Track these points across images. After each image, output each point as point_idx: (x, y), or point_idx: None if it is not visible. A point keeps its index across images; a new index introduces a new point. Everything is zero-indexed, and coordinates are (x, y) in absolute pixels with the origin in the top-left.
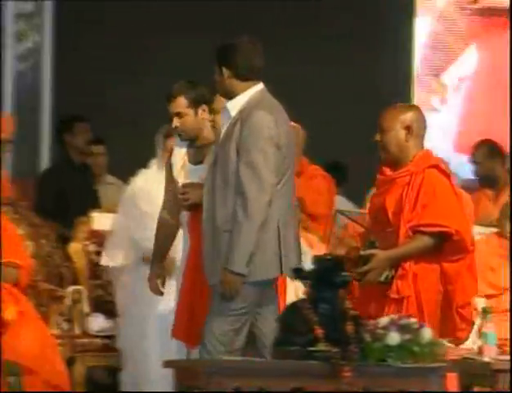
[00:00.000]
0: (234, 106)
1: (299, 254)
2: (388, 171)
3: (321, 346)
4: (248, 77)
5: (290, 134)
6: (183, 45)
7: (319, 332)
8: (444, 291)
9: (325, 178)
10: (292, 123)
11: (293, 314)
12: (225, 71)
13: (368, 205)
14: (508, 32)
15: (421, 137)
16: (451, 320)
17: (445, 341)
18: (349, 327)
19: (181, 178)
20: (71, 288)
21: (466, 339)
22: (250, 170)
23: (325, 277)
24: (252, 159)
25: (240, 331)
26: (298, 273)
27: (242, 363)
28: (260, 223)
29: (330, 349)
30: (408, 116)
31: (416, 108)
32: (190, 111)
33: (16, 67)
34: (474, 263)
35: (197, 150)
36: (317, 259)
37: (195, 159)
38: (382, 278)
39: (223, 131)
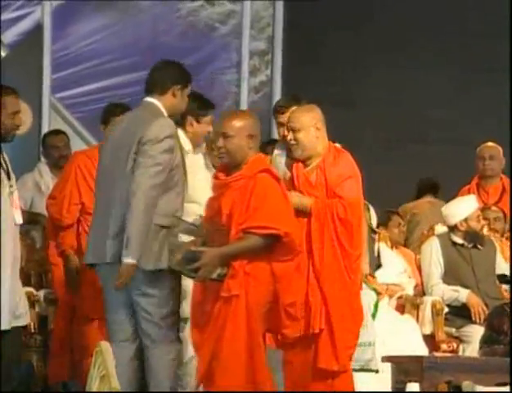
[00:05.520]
0: None
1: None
2: (222, 176)
3: None
4: None
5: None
6: (397, 78)
7: None
8: (272, 289)
9: None
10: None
11: (499, 316)
12: None
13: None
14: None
15: (256, 139)
16: (278, 317)
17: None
18: None
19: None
20: None
21: (294, 336)
22: None
23: None
24: None
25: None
26: (503, 279)
27: (454, 360)
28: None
29: None
30: (248, 123)
31: (249, 114)
32: None
33: (251, 98)
34: (302, 263)
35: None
36: None
37: None
38: (214, 276)
39: None
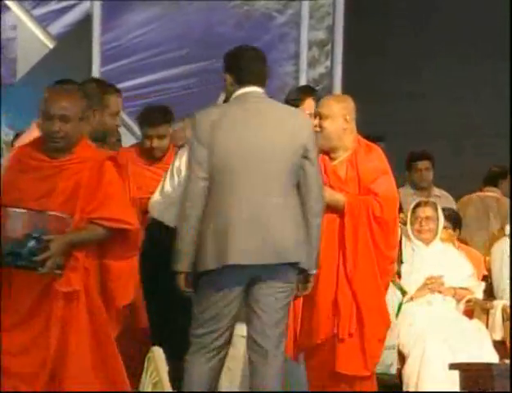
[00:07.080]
0: None
1: (247, 247)
2: (43, 157)
3: None
4: (244, 81)
5: (235, 140)
6: (455, 70)
7: None
8: (104, 287)
9: None
10: None
11: None
12: (228, 77)
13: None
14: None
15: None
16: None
17: None
18: None
19: None
20: None
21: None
22: None
23: None
24: None
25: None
26: None
27: None
28: (183, 219)
29: None
30: (82, 104)
31: (79, 94)
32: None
33: None
34: (137, 263)
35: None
36: None
37: None
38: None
39: None
